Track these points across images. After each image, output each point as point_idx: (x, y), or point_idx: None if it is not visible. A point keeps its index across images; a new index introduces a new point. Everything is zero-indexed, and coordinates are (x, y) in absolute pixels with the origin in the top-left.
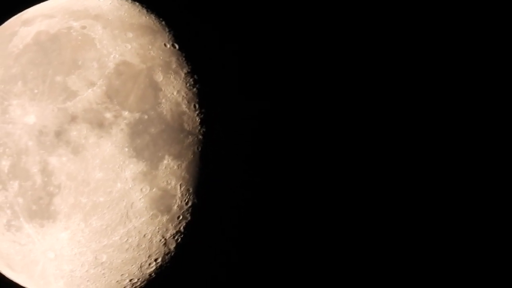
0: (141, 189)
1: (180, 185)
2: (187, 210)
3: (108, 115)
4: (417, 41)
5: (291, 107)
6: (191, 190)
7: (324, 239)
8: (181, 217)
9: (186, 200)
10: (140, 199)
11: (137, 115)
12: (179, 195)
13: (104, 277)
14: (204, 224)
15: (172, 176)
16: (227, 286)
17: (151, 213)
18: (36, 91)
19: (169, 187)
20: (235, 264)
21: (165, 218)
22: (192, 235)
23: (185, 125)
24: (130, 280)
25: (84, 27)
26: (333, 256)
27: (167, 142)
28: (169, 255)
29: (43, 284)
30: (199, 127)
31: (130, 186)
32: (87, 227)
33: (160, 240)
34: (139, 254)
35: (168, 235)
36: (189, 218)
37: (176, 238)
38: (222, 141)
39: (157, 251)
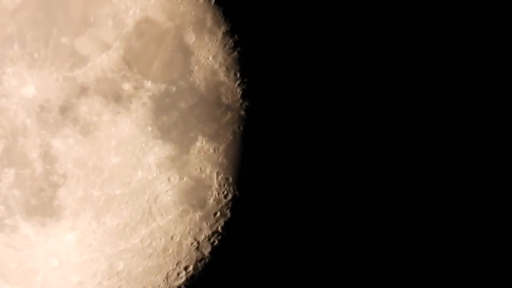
0: (168, 179)
1: (217, 173)
2: (226, 205)
3: (126, 86)
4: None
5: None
6: (230, 180)
7: (338, 229)
8: (218, 214)
9: (225, 193)
10: (166, 191)
11: (162, 86)
12: (216, 186)
13: None
14: (246, 223)
15: (207, 162)
16: None
17: (181, 209)
18: (36, 56)
19: (203, 175)
20: (277, 273)
21: (198, 215)
22: (232, 237)
23: (223, 98)
24: None
25: None
26: (348, 244)
27: (201, 120)
28: (202, 262)
29: None
30: (241, 101)
31: (155, 175)
32: (99, 227)
33: (192, 243)
34: (165, 261)
35: (201, 237)
36: (228, 215)
37: (211, 240)
38: (269, 118)
39: (187, 257)
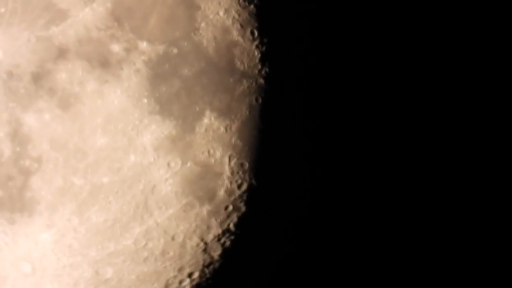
0: (168, 164)
1: (229, 157)
2: (240, 197)
3: (116, 48)
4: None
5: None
6: (246, 166)
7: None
8: (230, 208)
9: (239, 181)
10: (166, 180)
11: (161, 48)
12: (228, 173)
13: None
14: (264, 219)
15: (216, 143)
16: None
17: (184, 201)
18: (2, 10)
19: (212, 160)
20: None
21: (205, 209)
22: (247, 236)
23: (237, 63)
24: None
25: None
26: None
27: (209, 90)
28: (211, 267)
29: None
30: (259, 66)
31: (151, 159)
32: (82, 225)
33: (198, 244)
34: (164, 267)
35: (210, 237)
36: (243, 210)
37: (222, 241)
38: (293, 87)
39: (192, 262)
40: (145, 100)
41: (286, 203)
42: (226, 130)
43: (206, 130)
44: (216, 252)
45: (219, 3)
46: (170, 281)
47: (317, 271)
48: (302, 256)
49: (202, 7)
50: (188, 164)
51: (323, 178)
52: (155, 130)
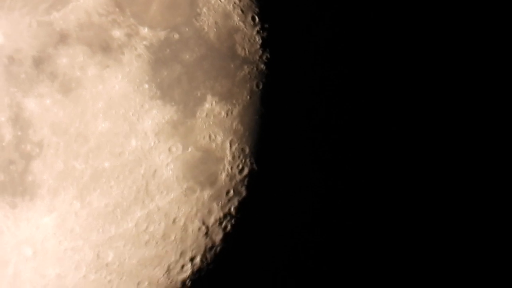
0: (169, 149)
1: (230, 142)
2: (241, 181)
3: (117, 33)
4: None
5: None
6: (247, 151)
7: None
8: (231, 193)
9: (240, 166)
10: (167, 164)
11: (162, 33)
12: (229, 158)
13: (111, 286)
14: (265, 204)
15: (217, 128)
16: None
17: (185, 186)
18: None
19: (213, 145)
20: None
21: (206, 194)
22: (248, 220)
23: (239, 49)
24: None
25: None
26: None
27: (210, 75)
28: (212, 251)
29: None
30: (260, 52)
31: (152, 144)
32: (83, 209)
33: (199, 228)
34: (165, 251)
35: (211, 221)
36: (244, 194)
37: (223, 225)
38: (294, 73)
39: (194, 246)
40: (146, 85)
41: (287, 188)
42: (227, 115)
43: (207, 115)
44: (218, 236)
45: None
46: (171, 266)
47: (318, 254)
48: (303, 239)
49: None
50: (189, 149)
51: (324, 162)
52: (156, 115)
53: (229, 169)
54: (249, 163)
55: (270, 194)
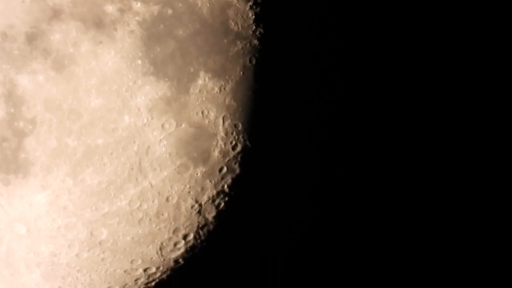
0: (163, 126)
1: (223, 118)
2: (235, 158)
3: (110, 8)
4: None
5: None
6: (240, 127)
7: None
8: (224, 170)
9: (233, 143)
10: (160, 141)
11: (155, 8)
12: (222, 134)
13: (104, 264)
14: (259, 181)
15: (210, 104)
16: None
17: (178, 163)
18: None
19: (206, 121)
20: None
21: (199, 171)
22: (242, 198)
23: (232, 24)
24: (145, 270)
25: None
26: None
27: (203, 51)
28: (205, 229)
29: (9, 274)
30: (254, 27)
31: (145, 120)
32: (77, 186)
33: (192, 206)
34: (159, 228)
35: (204, 199)
36: (237, 171)
37: (216, 202)
38: (287, 49)
39: (187, 224)
40: (139, 61)
41: (281, 165)
42: (220, 90)
43: (200, 91)
44: (211, 214)
45: None
46: (164, 243)
47: (312, 233)
48: (297, 217)
49: None
50: (183, 125)
51: (317, 139)
52: (149, 91)
53: (222, 146)
54: (242, 140)
55: (264, 171)
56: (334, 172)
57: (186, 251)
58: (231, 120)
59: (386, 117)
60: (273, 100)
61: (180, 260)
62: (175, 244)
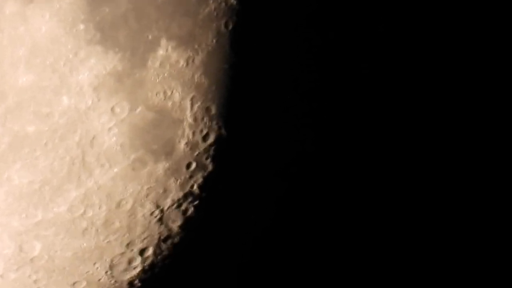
0: (112, 109)
1: (191, 100)
2: (206, 151)
3: None
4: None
5: None
6: (213, 111)
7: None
8: (193, 166)
9: (204, 131)
10: (110, 129)
11: None
12: (190, 120)
13: (37, 286)
14: (238, 180)
15: (175, 81)
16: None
17: (133, 157)
18: None
19: (170, 104)
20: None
21: (161, 167)
22: (216, 202)
23: None
24: None
25: None
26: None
27: (165, 12)
28: (169, 241)
29: None
30: None
31: (90, 102)
32: (1, 186)
33: (152, 212)
34: (108, 241)
35: (167, 203)
36: (210, 168)
37: (183, 207)
38: (272, 8)
39: (144, 236)
40: (82, 26)
41: (263, 159)
42: (187, 64)
43: (161, 64)
44: (176, 223)
45: None
46: (116, 260)
47: (300, 248)
48: (280, 228)
49: None
50: (138, 109)
51: (306, 125)
52: (95, 65)
53: (190, 135)
54: (215, 127)
55: (242, 167)
56: (326, 162)
57: (144, 270)
58: (202, 102)
59: (374, 94)
60: (255, 76)
61: (136, 282)
62: (129, 262)
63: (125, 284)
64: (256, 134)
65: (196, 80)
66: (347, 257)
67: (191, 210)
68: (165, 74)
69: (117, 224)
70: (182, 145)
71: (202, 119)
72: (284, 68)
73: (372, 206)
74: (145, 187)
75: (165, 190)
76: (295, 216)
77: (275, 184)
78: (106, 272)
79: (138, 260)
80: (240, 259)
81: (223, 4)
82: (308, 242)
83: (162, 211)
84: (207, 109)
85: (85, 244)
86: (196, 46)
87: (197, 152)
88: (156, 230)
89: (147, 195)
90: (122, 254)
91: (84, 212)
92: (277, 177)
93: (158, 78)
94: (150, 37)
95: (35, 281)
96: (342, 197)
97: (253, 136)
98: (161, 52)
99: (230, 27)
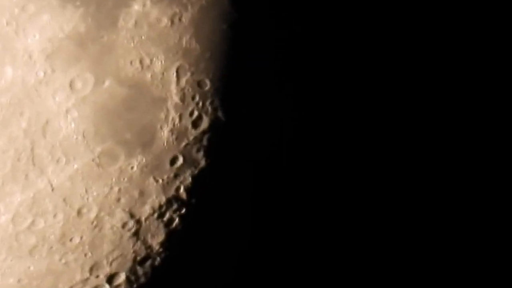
0: (72, 84)
1: (177, 70)
2: (198, 140)
3: None
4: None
5: None
6: (207, 86)
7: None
8: (180, 161)
9: (195, 113)
10: (67, 111)
11: None
12: (176, 99)
13: None
14: (234, 180)
15: (155, 46)
16: None
17: (99, 149)
18: None
19: (149, 76)
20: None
21: (137, 163)
22: (209, 209)
23: None
24: None
25: None
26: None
27: None
28: (147, 263)
29: None
30: None
31: (42, 74)
32: None
33: (125, 223)
34: (65, 263)
35: (145, 211)
36: (202, 164)
37: (167, 218)
38: None
39: (115, 255)
40: None
41: (267, 152)
42: (172, 23)
43: (137, 23)
44: (156, 239)
45: None
46: None
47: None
48: (280, 245)
49: None
50: (106, 84)
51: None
52: (49, 24)
53: (176, 120)
54: (210, 109)
55: (243, 162)
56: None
57: None
58: (192, 74)
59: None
60: (262, 41)
61: None
62: None
63: None
64: (261, 118)
65: (184, 45)
66: (346, 257)
67: (176, 221)
68: (142, 37)
69: (76, 240)
70: (165, 133)
71: (193, 97)
72: (292, 29)
73: (369, 204)
74: (115, 190)
75: (141, 194)
76: (291, 224)
77: (275, 185)
78: None
79: None
80: (230, 279)
81: None
82: (305, 249)
83: (138, 222)
84: (199, 84)
85: (33, 267)
86: (184, 0)
87: (185, 143)
88: (130, 249)
89: (117, 201)
90: (84, 281)
91: (33, 223)
92: (277, 175)
93: (133, 42)
94: None
95: None
96: (341, 197)
97: (258, 120)
98: (136, 7)
99: None
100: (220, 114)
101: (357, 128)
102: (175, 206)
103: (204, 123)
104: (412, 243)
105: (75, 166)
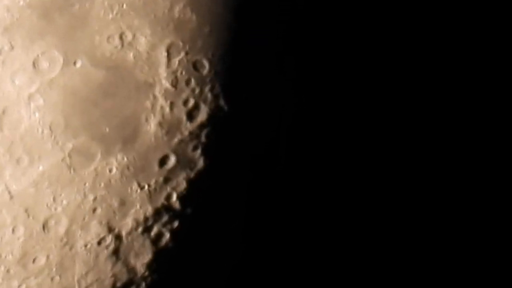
0: (35, 63)
1: (167, 48)
2: (194, 136)
3: None
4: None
5: None
6: (206, 69)
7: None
8: (172, 161)
9: (191, 102)
10: (30, 97)
11: None
12: (166, 83)
13: None
14: (232, 185)
15: (140, 18)
16: None
17: (70, 146)
18: None
19: (131, 55)
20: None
21: (116, 163)
22: (207, 221)
23: None
24: None
25: None
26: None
27: None
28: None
29: None
30: None
31: (2, 58)
32: None
33: (101, 239)
34: None
35: (127, 225)
36: (199, 164)
37: (154, 233)
38: None
39: (90, 280)
40: None
41: (272, 148)
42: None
43: None
44: (141, 259)
45: None
46: None
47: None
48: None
49: None
50: (78, 64)
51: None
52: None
53: (167, 109)
54: (209, 96)
55: (240, 160)
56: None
57: None
58: (186, 52)
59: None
60: (267, 11)
61: None
62: None
63: None
64: (262, 106)
65: (176, 16)
66: (344, 262)
67: (166, 237)
68: (123, 6)
69: (41, 260)
70: (151, 126)
71: (187, 82)
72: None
73: (370, 200)
74: (90, 198)
75: (122, 203)
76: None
77: (273, 185)
78: None
79: None
80: None
81: None
82: (303, 255)
83: (118, 238)
84: (195, 65)
85: None
86: None
87: (178, 139)
88: (108, 271)
89: (93, 211)
90: None
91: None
92: (274, 175)
93: (111, 12)
94: None
95: None
96: (341, 197)
97: (259, 109)
98: None
99: None
100: (221, 102)
101: (357, 119)
102: (165, 218)
103: (202, 114)
104: (412, 242)
105: (40, 167)
